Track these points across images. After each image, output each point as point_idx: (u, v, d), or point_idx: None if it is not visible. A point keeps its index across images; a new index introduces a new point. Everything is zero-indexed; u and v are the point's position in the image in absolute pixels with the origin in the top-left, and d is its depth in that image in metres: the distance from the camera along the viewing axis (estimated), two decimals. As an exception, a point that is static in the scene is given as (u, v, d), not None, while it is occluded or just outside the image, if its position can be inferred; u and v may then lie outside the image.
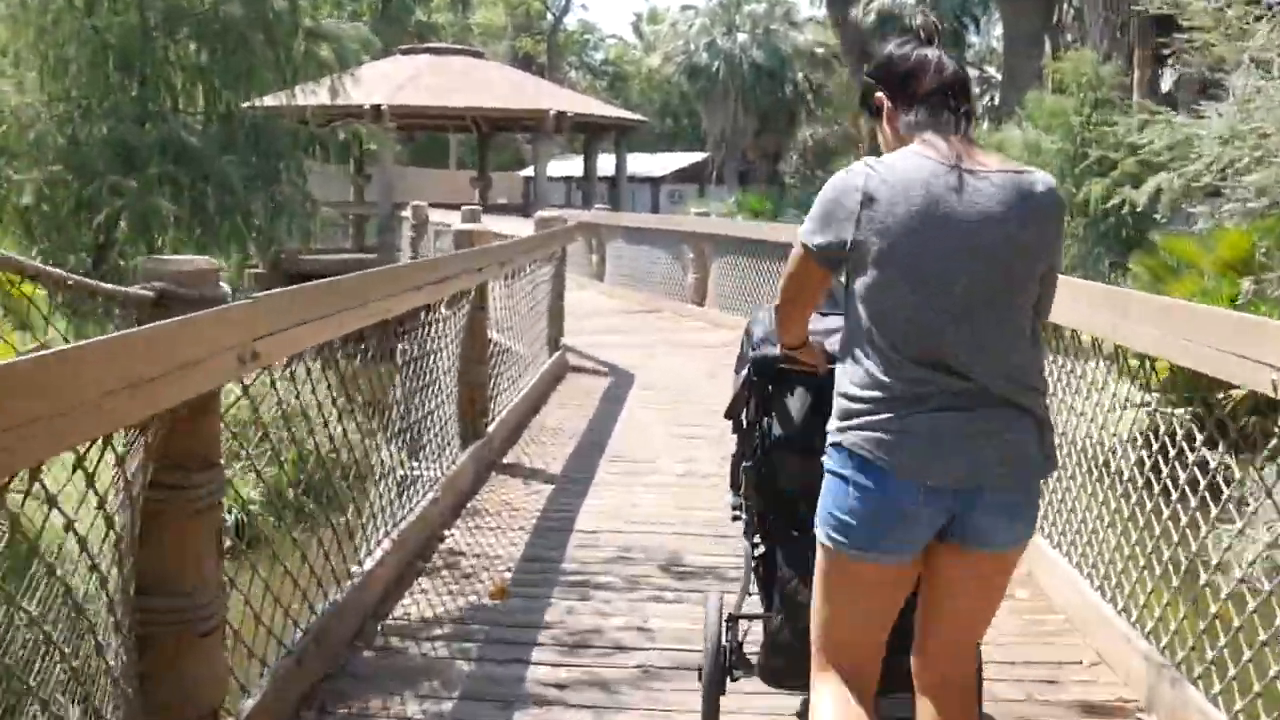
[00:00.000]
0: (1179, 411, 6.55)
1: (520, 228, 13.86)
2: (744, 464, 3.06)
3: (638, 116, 29.48)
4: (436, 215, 17.16)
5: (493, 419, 6.90)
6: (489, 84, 23.61)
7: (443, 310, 5.66)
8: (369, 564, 4.24)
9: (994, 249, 2.28)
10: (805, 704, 2.82)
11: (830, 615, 2.49)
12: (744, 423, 3.08)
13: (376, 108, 21.32)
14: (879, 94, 2.45)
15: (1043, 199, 2.31)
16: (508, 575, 4.63)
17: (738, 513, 3.16)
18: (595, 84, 53.40)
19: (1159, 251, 14.68)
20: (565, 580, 4.62)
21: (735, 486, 3.16)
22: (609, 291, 16.66)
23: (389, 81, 22.83)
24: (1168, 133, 9.58)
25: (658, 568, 4.78)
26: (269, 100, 16.10)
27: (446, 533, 5.18)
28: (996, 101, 52.87)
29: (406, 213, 18.25)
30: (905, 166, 2.30)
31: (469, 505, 5.67)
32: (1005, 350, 2.31)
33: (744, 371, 3.03)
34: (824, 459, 2.40)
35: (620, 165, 27.47)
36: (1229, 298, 11.28)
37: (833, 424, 2.38)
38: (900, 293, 2.28)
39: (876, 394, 2.30)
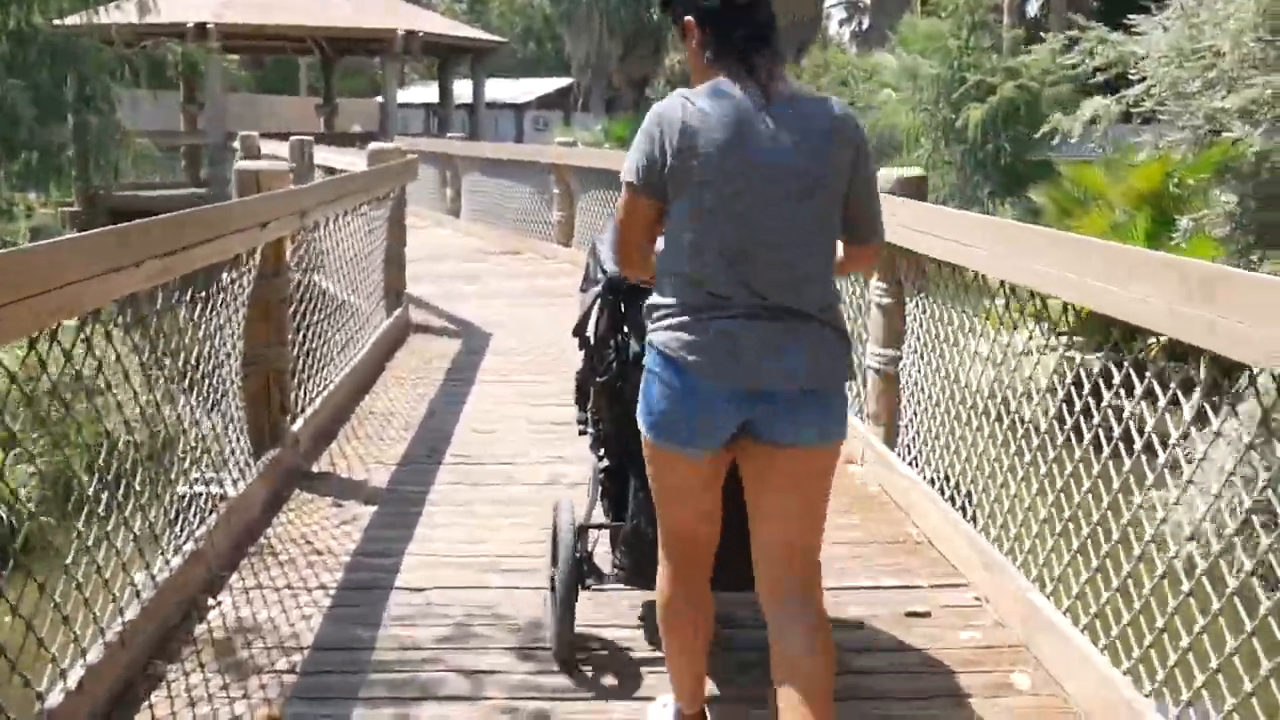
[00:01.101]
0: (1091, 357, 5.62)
1: (362, 160, 12.15)
2: (596, 379, 3.14)
3: (496, 38, 27.47)
4: (270, 146, 15.25)
5: (301, 411, 5.38)
6: (329, 1, 21.50)
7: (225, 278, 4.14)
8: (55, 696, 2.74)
9: (797, 173, 2.45)
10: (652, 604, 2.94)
11: (659, 503, 2.68)
12: (591, 340, 3.15)
13: (201, 26, 19.10)
14: (688, 19, 2.55)
15: (841, 122, 2.50)
16: (277, 700, 3.14)
17: (583, 427, 3.37)
18: (454, 7, 50.88)
19: (1063, 182, 13.69)
20: (376, 683, 3.18)
21: (581, 403, 3.36)
22: (465, 229, 15.02)
23: (214, -3, 20.62)
24: (1105, 51, 8.36)
25: (516, 654, 3.36)
26: (73, 20, 14.01)
27: (212, 600, 3.68)
28: (864, 27, 52.32)
29: (236, 144, 16.28)
30: (710, 95, 2.46)
31: (257, 543, 4.18)
32: (805, 267, 2.48)
33: (592, 290, 3.11)
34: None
35: (479, 90, 25.44)
36: (1144, 233, 10.25)
37: (649, 324, 2.55)
38: (710, 216, 2.45)
39: (683, 299, 2.48)
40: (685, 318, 2.47)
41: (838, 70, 31.08)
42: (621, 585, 3.24)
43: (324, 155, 11.94)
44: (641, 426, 2.58)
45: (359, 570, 3.96)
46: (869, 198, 2.60)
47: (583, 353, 3.24)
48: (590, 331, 3.15)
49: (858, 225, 2.59)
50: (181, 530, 3.79)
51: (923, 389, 4.72)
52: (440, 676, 3.21)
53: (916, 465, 4.67)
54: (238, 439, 4.53)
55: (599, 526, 3.35)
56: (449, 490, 4.84)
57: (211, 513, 4.02)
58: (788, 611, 2.55)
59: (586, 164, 11.99)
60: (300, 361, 5.49)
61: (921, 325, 4.76)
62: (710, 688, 2.99)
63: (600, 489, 3.30)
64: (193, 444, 4.01)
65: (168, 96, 25.25)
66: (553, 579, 3.27)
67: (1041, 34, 29.64)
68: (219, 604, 3.65)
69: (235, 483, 4.33)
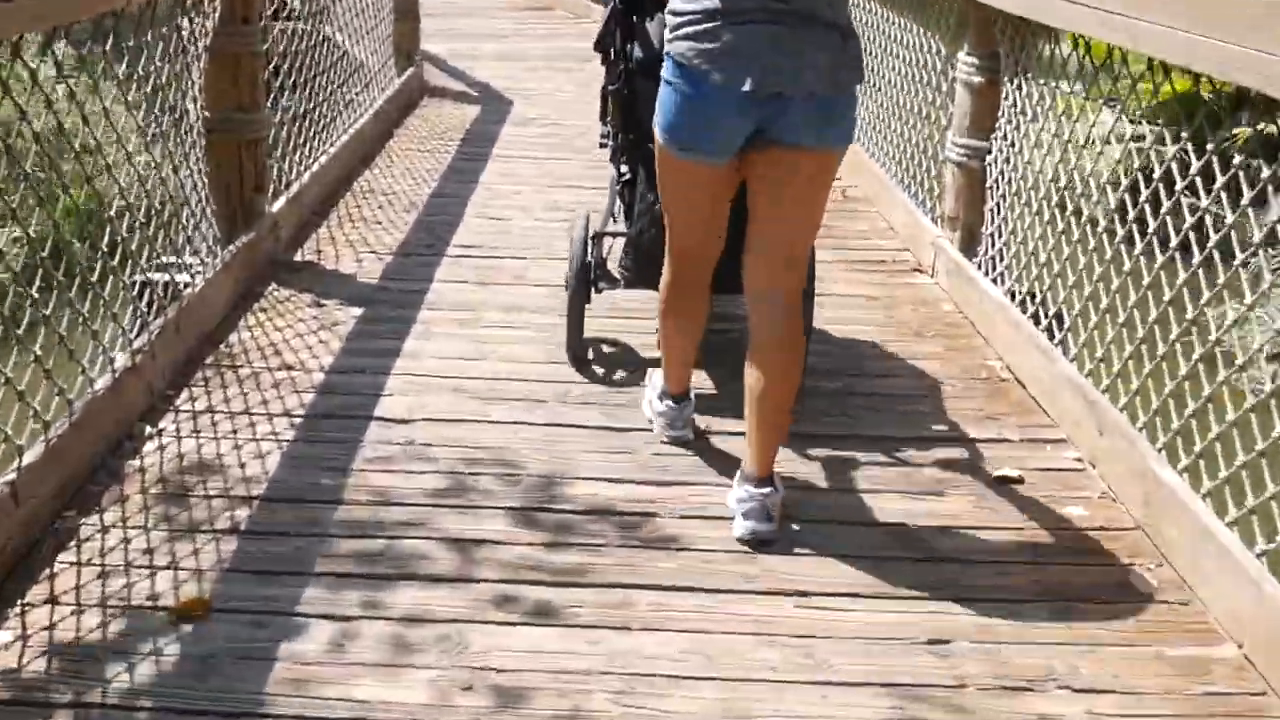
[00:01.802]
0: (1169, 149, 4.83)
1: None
2: (610, 89, 3.25)
3: None
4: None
5: (285, 188, 4.64)
6: None
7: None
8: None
9: None
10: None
11: (665, 203, 2.77)
12: (611, 53, 3.20)
13: None
14: None
15: None
16: (210, 573, 2.49)
17: (604, 140, 3.51)
18: None
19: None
20: (339, 554, 2.55)
21: (604, 116, 3.43)
22: (493, -18, 13.86)
23: None
24: None
25: (518, 518, 2.72)
26: None
27: (150, 429, 3.03)
28: None
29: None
30: None
31: (216, 352, 3.51)
32: None
33: (611, 3, 3.16)
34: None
35: None
36: None
37: (666, 36, 2.58)
38: None
39: (697, 5, 2.51)
40: (701, 25, 2.50)
41: None
42: (629, 288, 3.43)
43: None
44: (658, 136, 2.65)
45: (333, 393, 3.30)
46: None
47: (604, 66, 3.29)
48: (610, 46, 3.21)
49: None
50: (126, 333, 3.12)
51: (1016, 188, 3.93)
52: (421, 547, 2.57)
53: (1002, 283, 3.92)
54: (199, 219, 3.82)
55: (613, 234, 3.56)
56: (449, 290, 4.14)
57: (165, 309, 3.36)
58: (767, 307, 2.68)
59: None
60: (287, 130, 4.72)
61: (1021, 111, 3.93)
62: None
63: (617, 199, 3.51)
64: (142, 217, 3.31)
65: None
66: (566, 281, 3.48)
67: None
68: (158, 434, 3.01)
69: (193, 275, 3.65)
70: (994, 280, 3.96)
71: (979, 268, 4.10)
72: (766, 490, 2.66)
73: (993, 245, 4.07)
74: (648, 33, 3.08)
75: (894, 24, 5.32)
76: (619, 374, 3.50)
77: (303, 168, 4.93)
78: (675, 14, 2.56)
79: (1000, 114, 4.07)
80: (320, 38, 5.71)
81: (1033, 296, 3.69)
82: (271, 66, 4.64)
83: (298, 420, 3.12)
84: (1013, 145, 3.97)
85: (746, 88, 2.47)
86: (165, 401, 3.17)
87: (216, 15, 3.79)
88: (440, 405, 3.24)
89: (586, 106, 7.23)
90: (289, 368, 3.44)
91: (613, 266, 3.53)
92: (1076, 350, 3.30)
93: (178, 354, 3.36)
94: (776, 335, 2.68)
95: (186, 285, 3.58)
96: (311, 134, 5.14)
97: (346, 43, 6.35)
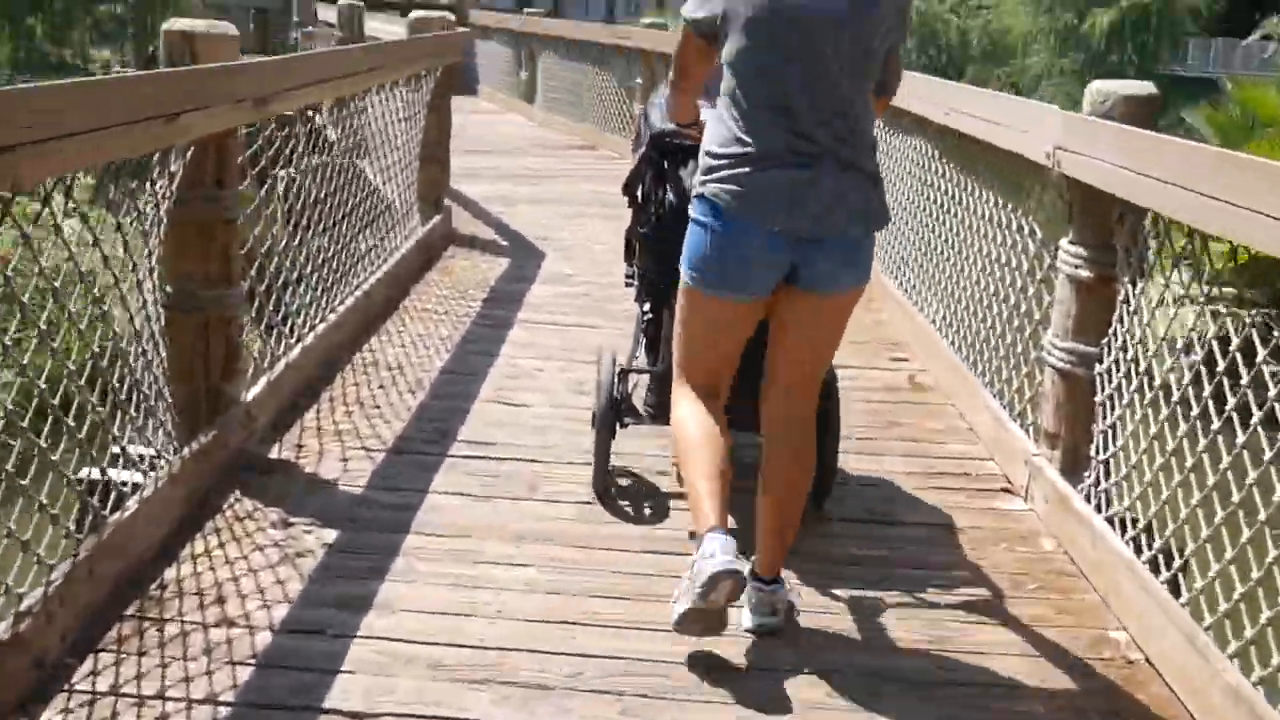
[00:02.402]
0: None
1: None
2: (640, 231, 3.33)
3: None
4: (328, 13, 13.78)
5: (269, 366, 4.00)
6: None
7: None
8: None
9: (845, 22, 2.58)
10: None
11: (684, 340, 2.86)
12: (639, 197, 3.33)
13: None
14: None
15: None
16: None
17: (630, 280, 3.59)
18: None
19: (1226, 105, 11.79)
20: None
21: (629, 257, 3.57)
22: (538, 118, 13.47)
23: None
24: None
25: None
26: None
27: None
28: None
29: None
30: None
31: (143, 596, 2.81)
32: (847, 115, 2.62)
33: (642, 149, 3.30)
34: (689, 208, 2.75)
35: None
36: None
37: (696, 178, 2.71)
38: (760, 57, 2.61)
39: (734, 150, 2.62)
40: (736, 169, 2.60)
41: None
42: (654, 424, 3.51)
43: (377, 24, 10.43)
44: (686, 275, 2.75)
45: (280, 666, 2.57)
46: (898, 58, 2.77)
47: (631, 209, 3.40)
48: (639, 189, 3.32)
49: (885, 80, 2.77)
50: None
51: (1135, 405, 3.21)
52: None
53: (1123, 528, 3.17)
54: (151, 410, 3.17)
55: (638, 371, 3.64)
56: (446, 507, 3.44)
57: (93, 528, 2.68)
58: (784, 436, 2.81)
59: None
60: (256, 305, 4.10)
61: (1141, 315, 3.24)
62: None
63: (642, 335, 3.61)
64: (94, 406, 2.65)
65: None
66: (593, 416, 3.52)
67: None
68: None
69: (130, 489, 2.97)
70: (1111, 522, 3.21)
71: (1088, 499, 3.36)
72: (773, 587, 2.81)
73: (1106, 475, 3.34)
74: (680, 179, 3.20)
75: (974, 194, 4.67)
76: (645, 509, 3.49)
77: (294, 339, 4.30)
78: (711, 155, 2.67)
79: (1115, 316, 3.38)
80: (354, 173, 5.16)
81: (1168, 558, 2.93)
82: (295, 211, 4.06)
83: (225, 714, 2.40)
84: (1133, 359, 3.26)
85: (779, 228, 2.59)
86: (59, 678, 2.46)
87: (179, 179, 3.17)
88: (408, 691, 2.51)
89: (619, 262, 6.67)
90: (230, 623, 2.73)
91: (636, 402, 3.60)
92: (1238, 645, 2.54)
93: (91, 602, 2.67)
94: (793, 448, 2.83)
95: (131, 485, 2.92)
96: (310, 301, 4.53)
97: (377, 179, 5.81)
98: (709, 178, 2.66)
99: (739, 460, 2.94)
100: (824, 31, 2.58)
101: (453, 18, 6.88)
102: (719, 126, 2.68)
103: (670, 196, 3.21)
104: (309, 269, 4.54)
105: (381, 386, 4.45)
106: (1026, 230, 4.06)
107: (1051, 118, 3.60)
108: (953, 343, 4.83)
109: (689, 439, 2.80)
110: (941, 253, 5.04)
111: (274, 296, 4.19)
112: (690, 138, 3.09)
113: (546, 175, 10.01)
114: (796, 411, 2.83)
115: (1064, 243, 3.57)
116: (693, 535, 2.81)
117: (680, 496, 3.36)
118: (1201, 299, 2.96)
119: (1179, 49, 25.67)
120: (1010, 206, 4.24)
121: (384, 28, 9.91)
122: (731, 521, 2.74)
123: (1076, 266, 3.49)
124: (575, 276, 6.43)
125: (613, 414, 3.48)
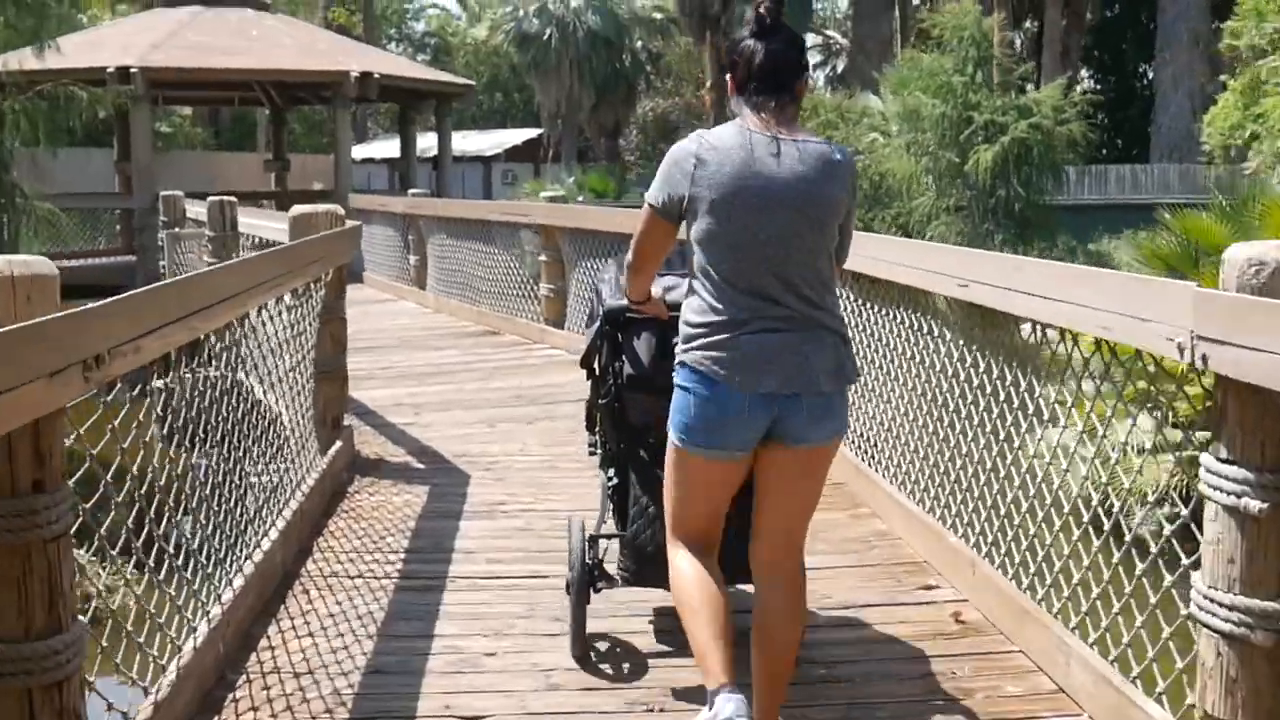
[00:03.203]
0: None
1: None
2: (600, 402, 3.48)
3: (461, 79, 24.76)
4: (198, 209, 12.74)
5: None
6: (274, 41, 18.66)
7: None
8: None
9: (800, 201, 2.80)
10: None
11: (676, 499, 2.98)
12: (596, 370, 3.51)
13: (124, 71, 16.48)
14: (727, 76, 2.94)
15: (840, 165, 2.85)
16: None
17: (593, 448, 3.76)
18: (417, 58, 48.51)
19: (1160, 235, 11.32)
20: None
21: (591, 426, 3.73)
22: (433, 304, 12.54)
23: (143, 39, 17.89)
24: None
25: None
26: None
27: None
28: (839, 70, 50.26)
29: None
30: (728, 135, 2.83)
31: None
32: (814, 282, 2.83)
33: (595, 325, 3.44)
34: (674, 376, 2.90)
35: (444, 141, 22.71)
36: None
37: (679, 347, 2.89)
38: (727, 235, 2.79)
39: (711, 319, 2.81)
40: (716, 336, 2.79)
41: (826, 114, 28.89)
42: (627, 586, 3.59)
43: (253, 221, 9.42)
44: (674, 437, 2.90)
45: None
46: (850, 228, 2.99)
47: (589, 381, 3.59)
48: (596, 364, 3.49)
49: (841, 245, 2.97)
50: None
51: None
52: None
53: None
54: None
55: (608, 536, 3.69)
56: None
57: None
58: (772, 584, 2.96)
59: (586, 225, 9.49)
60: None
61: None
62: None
63: (608, 502, 3.71)
64: None
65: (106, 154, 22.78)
66: (568, 584, 3.57)
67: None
68: None
69: None
70: None
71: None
72: None
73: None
74: (636, 352, 3.36)
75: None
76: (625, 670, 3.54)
77: (164, 659, 3.15)
78: (690, 325, 2.85)
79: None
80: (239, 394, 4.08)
81: None
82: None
83: None
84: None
85: (764, 390, 2.77)
86: None
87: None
88: None
89: (564, 478, 5.66)
90: None
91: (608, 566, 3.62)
92: None
93: None
94: (785, 606, 2.95)
95: None
96: (186, 597, 3.40)
97: (269, 399, 4.74)
98: (690, 346, 2.83)
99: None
100: (787, 209, 2.78)
101: (341, 211, 5.87)
102: (694, 299, 2.87)
103: (628, 369, 3.37)
104: (195, 536, 3.45)
105: (289, 709, 3.31)
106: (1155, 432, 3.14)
107: (1180, 296, 2.70)
108: (1002, 566, 3.88)
109: (690, 598, 2.90)
110: (975, 455, 4.11)
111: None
112: (643, 313, 3.31)
113: (452, 370, 9.00)
114: (786, 559, 2.97)
115: (1211, 461, 2.65)
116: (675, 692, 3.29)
117: (658, 655, 3.62)
118: None
119: (1060, 180, 25.88)
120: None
121: (261, 223, 8.88)
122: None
123: (1239, 495, 2.57)
124: (510, 504, 5.37)
125: (587, 581, 3.54)
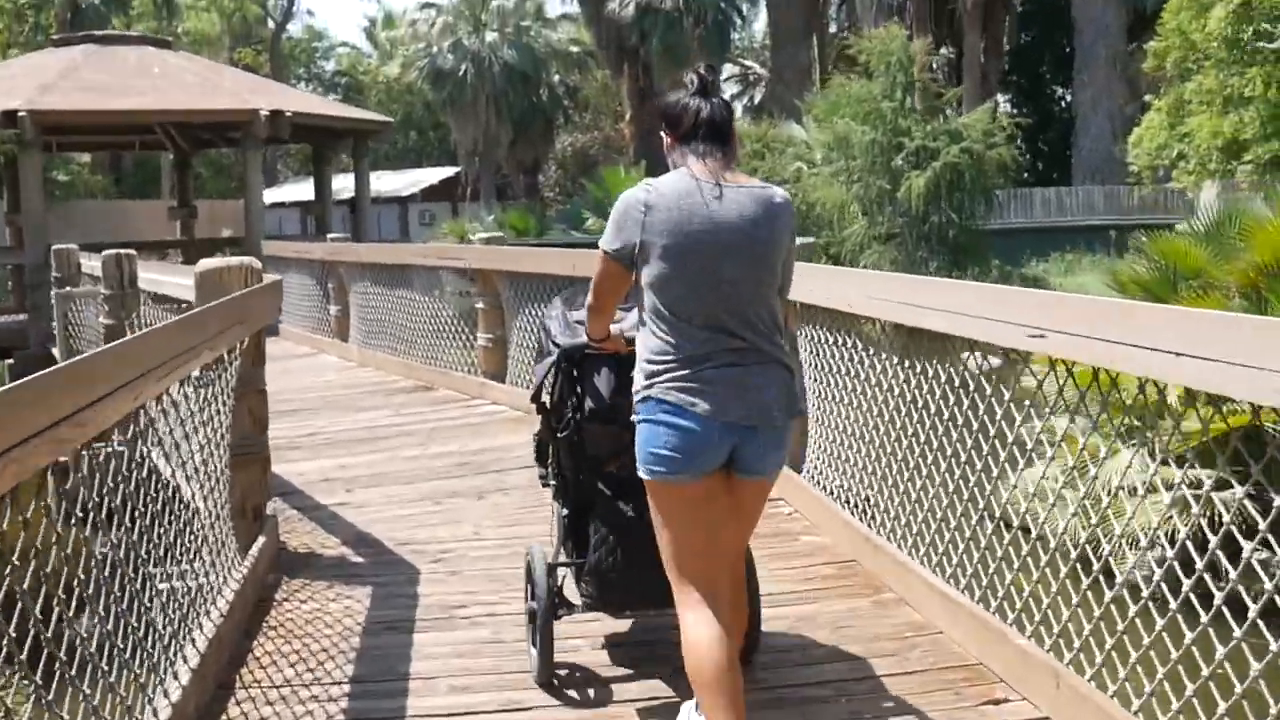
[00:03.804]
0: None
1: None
2: (559, 436, 3.61)
3: (379, 116, 23.77)
4: (94, 263, 11.69)
5: None
6: (177, 80, 17.57)
7: None
8: None
9: (747, 241, 2.99)
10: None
11: (670, 538, 3.08)
12: (547, 405, 3.66)
13: (10, 114, 15.33)
14: (662, 131, 3.16)
15: (782, 206, 3.07)
16: None
17: (544, 479, 3.85)
18: (329, 97, 47.40)
19: (1135, 260, 10.80)
20: None
21: (542, 459, 3.84)
22: (358, 357, 11.59)
23: (30, 81, 16.73)
24: None
25: None
26: None
27: None
28: (756, 100, 49.98)
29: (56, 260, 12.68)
30: (673, 182, 3.03)
31: None
32: (764, 317, 3.04)
33: (545, 361, 3.61)
34: (634, 414, 3.04)
35: (361, 181, 21.60)
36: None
37: (639, 384, 3.04)
38: (681, 277, 2.97)
39: (673, 355, 2.98)
40: (682, 370, 2.96)
41: (750, 144, 28.38)
42: (590, 611, 3.70)
43: (155, 276, 8.45)
44: (647, 470, 3.03)
45: None
46: (792, 263, 3.16)
47: (540, 416, 3.70)
48: (545, 398, 3.64)
49: (786, 280, 3.16)
50: None
51: None
52: None
53: None
54: None
55: (566, 564, 3.76)
56: None
57: None
58: (718, 605, 3.04)
59: (525, 269, 8.64)
60: None
61: None
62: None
63: (565, 532, 3.76)
64: None
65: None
66: (531, 612, 3.71)
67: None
68: None
69: None
70: None
71: None
72: None
73: None
74: (597, 386, 3.53)
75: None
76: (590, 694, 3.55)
77: None
78: (650, 362, 3.01)
79: None
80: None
81: None
82: None
83: None
84: None
85: (730, 418, 2.95)
86: None
87: None
88: None
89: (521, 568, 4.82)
90: None
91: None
92: None
93: None
94: (733, 604, 3.18)
95: None
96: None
97: (195, 500, 3.85)
98: (654, 381, 3.00)
99: None
100: (735, 251, 2.98)
101: (257, 264, 4.99)
102: (651, 339, 3.03)
103: (590, 403, 3.53)
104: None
105: None
106: None
107: None
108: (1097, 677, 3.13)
109: (700, 673, 2.96)
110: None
111: None
112: (604, 350, 3.48)
113: (385, 434, 8.07)
114: (731, 571, 3.22)
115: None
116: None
117: (619, 680, 3.72)
118: None
119: (991, 204, 25.60)
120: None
121: (164, 279, 7.93)
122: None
123: None
124: (470, 607, 4.50)
125: (552, 610, 3.63)
